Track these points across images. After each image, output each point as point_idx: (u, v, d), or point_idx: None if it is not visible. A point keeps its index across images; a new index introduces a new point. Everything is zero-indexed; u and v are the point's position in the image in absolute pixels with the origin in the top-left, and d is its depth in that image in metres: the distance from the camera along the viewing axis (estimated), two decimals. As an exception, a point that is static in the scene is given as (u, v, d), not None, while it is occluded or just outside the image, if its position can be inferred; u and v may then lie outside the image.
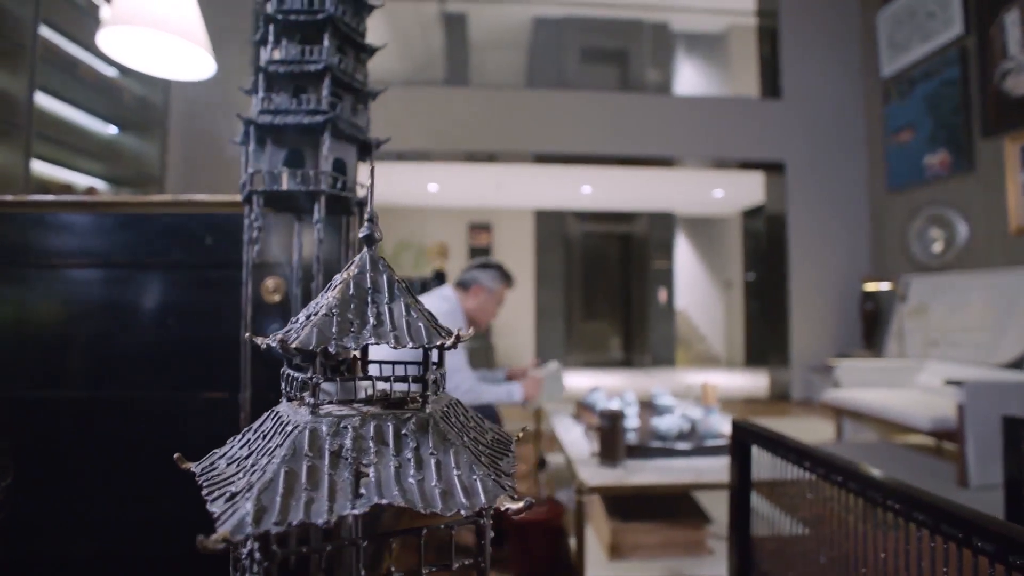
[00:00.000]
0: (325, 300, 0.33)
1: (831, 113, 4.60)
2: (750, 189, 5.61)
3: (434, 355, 0.37)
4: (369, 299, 0.33)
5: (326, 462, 0.28)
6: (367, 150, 0.71)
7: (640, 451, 1.51)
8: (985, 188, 3.48)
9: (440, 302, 1.89)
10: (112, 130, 3.59)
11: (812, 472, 0.78)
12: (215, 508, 0.26)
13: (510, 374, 2.15)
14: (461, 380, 1.72)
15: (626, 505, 1.55)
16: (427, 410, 0.32)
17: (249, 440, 0.33)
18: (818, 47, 4.62)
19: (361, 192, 0.71)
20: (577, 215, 7.50)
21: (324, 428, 0.30)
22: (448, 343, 0.31)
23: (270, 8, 0.64)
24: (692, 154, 4.64)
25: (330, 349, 0.29)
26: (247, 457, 0.31)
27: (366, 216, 0.36)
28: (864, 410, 2.78)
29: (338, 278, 0.34)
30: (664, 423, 1.61)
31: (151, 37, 1.84)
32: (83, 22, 3.13)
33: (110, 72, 3.37)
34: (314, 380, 0.31)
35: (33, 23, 2.80)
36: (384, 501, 0.26)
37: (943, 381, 2.53)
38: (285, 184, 0.61)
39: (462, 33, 7.28)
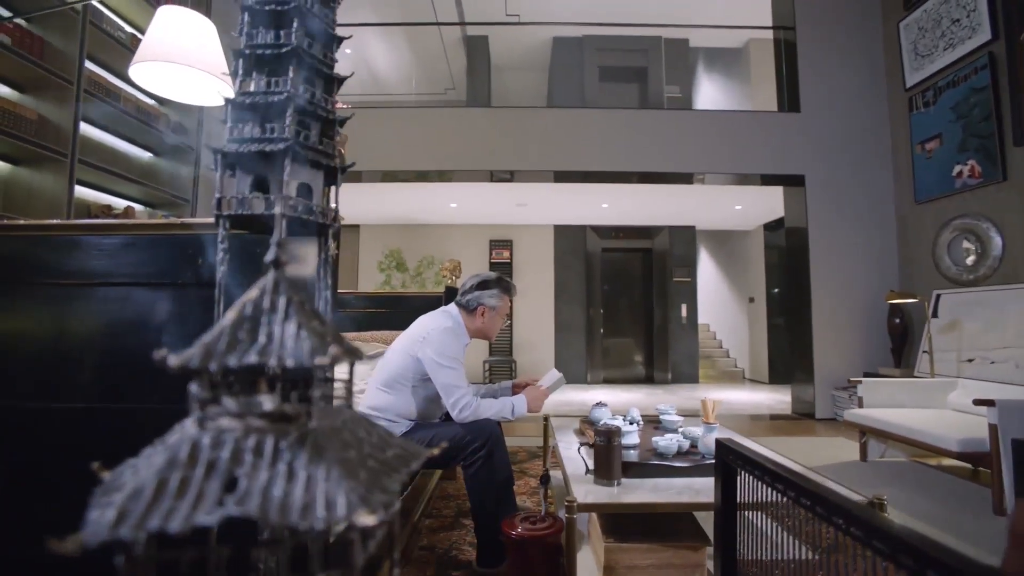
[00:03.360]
0: (222, 320, 0.35)
1: (852, 124, 4.49)
2: (771, 202, 5.51)
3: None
4: (264, 319, 0.35)
5: (200, 473, 0.30)
6: (334, 175, 0.74)
7: (637, 469, 1.49)
8: (1020, 198, 3.32)
9: (443, 318, 1.91)
10: (149, 155, 3.80)
11: (784, 495, 0.76)
12: (91, 515, 0.28)
13: (516, 386, 2.14)
14: (459, 396, 1.74)
15: (624, 524, 1.52)
16: (311, 425, 0.34)
17: (156, 451, 0.35)
18: (837, 59, 4.54)
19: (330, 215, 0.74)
20: (597, 230, 7.48)
21: (206, 440, 0.31)
22: (326, 361, 0.33)
23: (240, 43, 0.69)
24: (711, 169, 4.59)
25: (210, 367, 0.32)
26: (147, 468, 0.33)
27: (273, 240, 0.38)
28: (889, 430, 2.66)
29: (241, 299, 0.37)
30: (664, 441, 1.58)
31: (177, 69, 1.97)
32: (125, 56, 3.35)
33: (149, 101, 3.58)
34: (199, 395, 0.33)
35: (79, 59, 3.01)
36: (236, 512, 0.27)
37: (974, 401, 2.40)
38: (249, 208, 0.65)
39: (484, 55, 7.46)
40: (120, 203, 3.54)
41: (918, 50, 4.09)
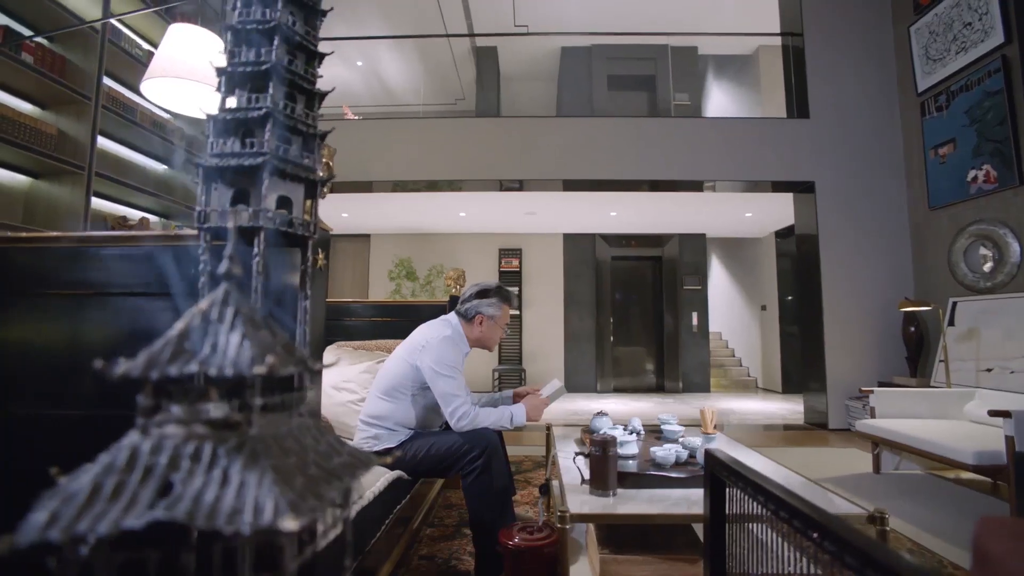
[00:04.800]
0: (169, 331, 0.36)
1: (863, 130, 4.43)
2: (783, 209, 5.45)
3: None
4: (210, 330, 0.36)
5: (136, 478, 0.31)
6: (315, 188, 0.76)
7: (633, 479, 1.47)
8: (1037, 203, 3.25)
9: (443, 327, 1.92)
10: (164, 167, 3.90)
11: (764, 508, 0.75)
12: (30, 517, 0.30)
13: (516, 395, 2.14)
14: (458, 405, 1.74)
15: (622, 535, 1.51)
16: (251, 432, 0.35)
17: (105, 457, 0.37)
18: (847, 64, 4.50)
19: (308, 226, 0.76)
20: (606, 238, 7.46)
21: (145, 446, 0.33)
22: (263, 370, 0.34)
23: (224, 61, 0.71)
24: (721, 177, 4.56)
25: (151, 376, 0.33)
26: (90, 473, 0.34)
27: (226, 253, 0.40)
28: (901, 441, 2.59)
29: (190, 310, 0.38)
30: (661, 451, 1.57)
31: (186, 85, 2.03)
32: (141, 72, 3.46)
33: (164, 115, 3.69)
34: (142, 403, 0.34)
35: (98, 76, 3.11)
36: (164, 516, 0.28)
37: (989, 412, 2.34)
38: (229, 221, 0.67)
39: (493, 66, 7.54)
40: (135, 214, 3.64)
41: (929, 54, 4.04)
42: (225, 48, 0.71)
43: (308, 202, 0.75)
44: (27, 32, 2.83)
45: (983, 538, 0.43)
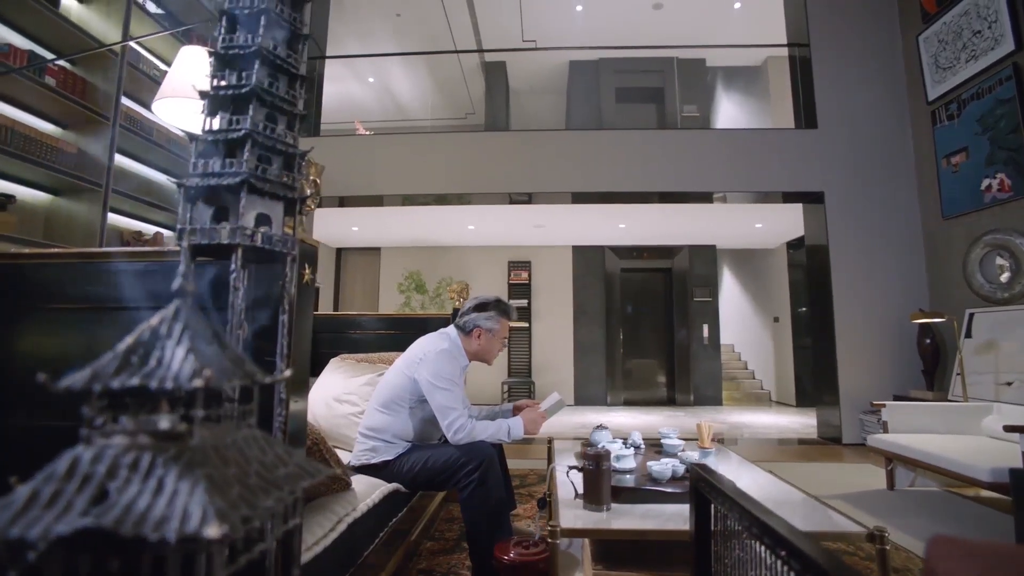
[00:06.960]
0: (118, 345, 0.38)
1: (872, 139, 4.38)
2: (793, 220, 5.39)
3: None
4: (159, 344, 0.38)
5: (74, 486, 0.33)
6: (295, 205, 0.78)
7: (629, 494, 1.46)
8: (1054, 212, 3.17)
9: (441, 340, 1.94)
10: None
11: (739, 524, 0.74)
12: (-29, 523, 0.31)
13: (516, 408, 2.13)
14: (455, 418, 1.74)
15: (617, 550, 1.49)
16: (192, 442, 0.36)
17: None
18: (854, 74, 4.47)
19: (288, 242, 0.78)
20: (616, 250, 7.45)
21: (86, 456, 0.34)
22: (200, 384, 0.35)
23: (208, 85, 0.74)
24: (730, 188, 4.54)
25: (93, 388, 0.34)
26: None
27: (179, 272, 0.42)
28: (914, 456, 2.52)
29: (141, 325, 0.40)
30: (658, 466, 1.55)
31: (195, 104, 2.10)
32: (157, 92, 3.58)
33: (179, 133, 3.80)
34: (87, 414, 0.36)
35: (116, 96, 3.23)
36: (91, 523, 0.30)
37: (1004, 427, 2.26)
38: (208, 238, 0.69)
39: (502, 80, 7.64)
40: (151, 229, 3.74)
41: (939, 63, 4.00)
42: (210, 72, 0.74)
43: (290, 219, 0.77)
44: (50, 55, 2.95)
45: (933, 557, 0.43)
